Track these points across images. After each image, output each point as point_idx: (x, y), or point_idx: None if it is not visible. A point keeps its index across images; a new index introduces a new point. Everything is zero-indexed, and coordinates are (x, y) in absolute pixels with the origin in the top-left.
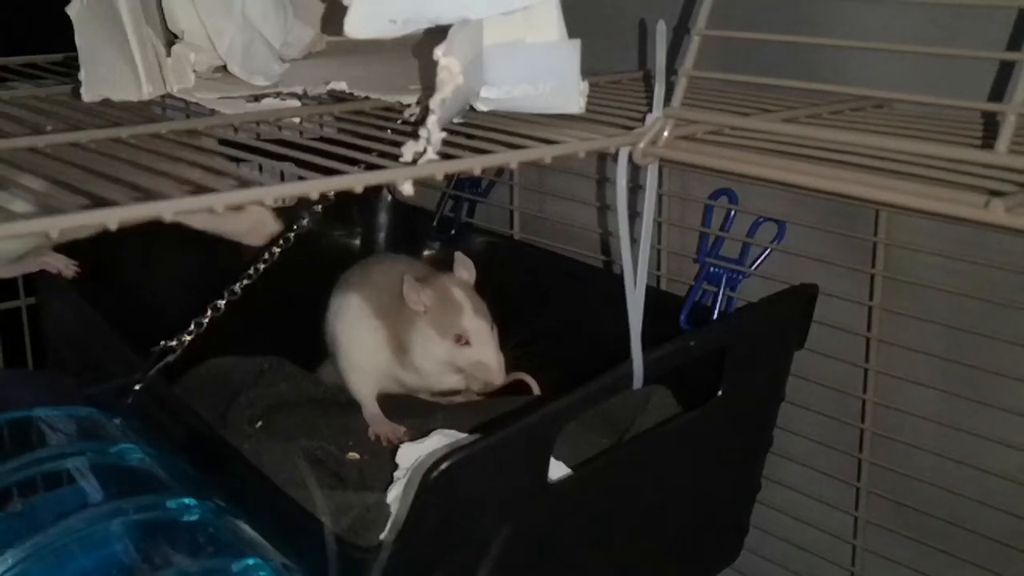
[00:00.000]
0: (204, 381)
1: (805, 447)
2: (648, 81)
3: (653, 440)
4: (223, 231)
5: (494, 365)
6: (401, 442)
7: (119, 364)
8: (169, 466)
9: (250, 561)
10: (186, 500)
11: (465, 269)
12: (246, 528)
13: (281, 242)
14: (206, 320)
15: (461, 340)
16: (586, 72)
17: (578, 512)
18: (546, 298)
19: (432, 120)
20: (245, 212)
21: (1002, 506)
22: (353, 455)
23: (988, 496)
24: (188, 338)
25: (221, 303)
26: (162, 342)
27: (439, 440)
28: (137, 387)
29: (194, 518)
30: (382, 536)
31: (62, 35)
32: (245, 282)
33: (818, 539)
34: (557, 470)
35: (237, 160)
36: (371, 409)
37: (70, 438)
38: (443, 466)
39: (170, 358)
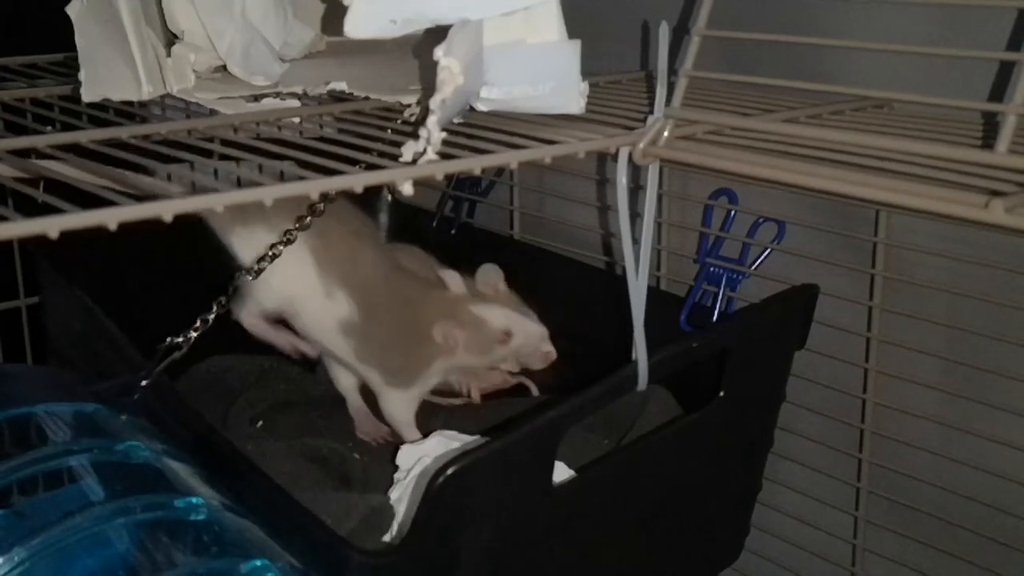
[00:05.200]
0: (204, 380)
1: (805, 447)
2: (648, 81)
3: (656, 441)
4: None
5: (537, 334)
6: (387, 442)
7: (125, 361)
8: (176, 464)
9: (257, 562)
10: (193, 499)
11: (487, 281)
12: (253, 528)
13: (284, 240)
14: (212, 317)
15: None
16: (586, 72)
17: (580, 514)
18: (545, 298)
19: (432, 120)
20: (521, 338)
21: (1002, 506)
22: (354, 455)
23: (988, 496)
24: (194, 335)
25: (225, 300)
26: (168, 338)
27: (439, 441)
28: (143, 384)
29: (201, 517)
30: (386, 539)
31: (62, 35)
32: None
33: (818, 539)
34: (560, 472)
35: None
36: (355, 403)
37: (75, 435)
38: (450, 471)
39: (176, 355)
